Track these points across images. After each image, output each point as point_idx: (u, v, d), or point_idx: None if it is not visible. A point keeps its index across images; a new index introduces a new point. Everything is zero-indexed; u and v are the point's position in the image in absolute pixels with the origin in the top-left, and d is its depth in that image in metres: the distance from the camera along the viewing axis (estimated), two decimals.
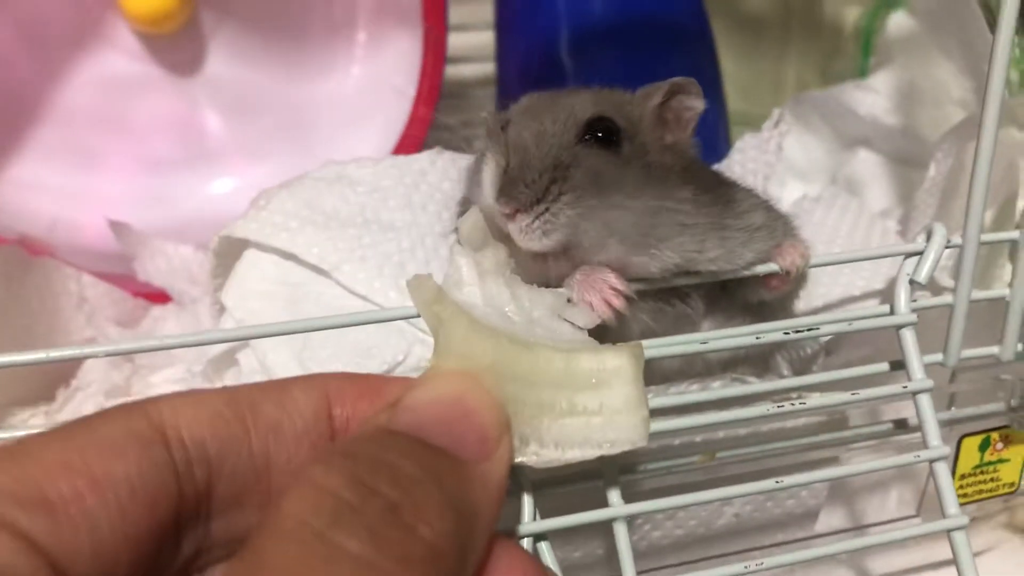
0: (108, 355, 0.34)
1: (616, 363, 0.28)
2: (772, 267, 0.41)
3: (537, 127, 0.39)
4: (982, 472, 0.48)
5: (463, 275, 0.31)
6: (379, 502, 0.20)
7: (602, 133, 0.40)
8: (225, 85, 0.76)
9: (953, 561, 0.53)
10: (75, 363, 0.55)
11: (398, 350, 0.47)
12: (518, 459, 0.26)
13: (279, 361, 0.47)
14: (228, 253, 0.51)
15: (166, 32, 0.72)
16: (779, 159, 0.59)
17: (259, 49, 0.76)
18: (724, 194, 0.44)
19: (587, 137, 0.40)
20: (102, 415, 0.22)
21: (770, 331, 0.38)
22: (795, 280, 0.44)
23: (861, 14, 0.80)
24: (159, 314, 0.60)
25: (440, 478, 0.22)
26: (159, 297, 0.63)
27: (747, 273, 0.41)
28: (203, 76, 0.76)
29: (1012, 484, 0.49)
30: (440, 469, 0.22)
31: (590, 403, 0.28)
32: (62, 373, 0.56)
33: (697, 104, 0.44)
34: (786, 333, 0.38)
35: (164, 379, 0.53)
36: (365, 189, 0.51)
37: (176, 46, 0.74)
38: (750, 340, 0.38)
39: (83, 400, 0.50)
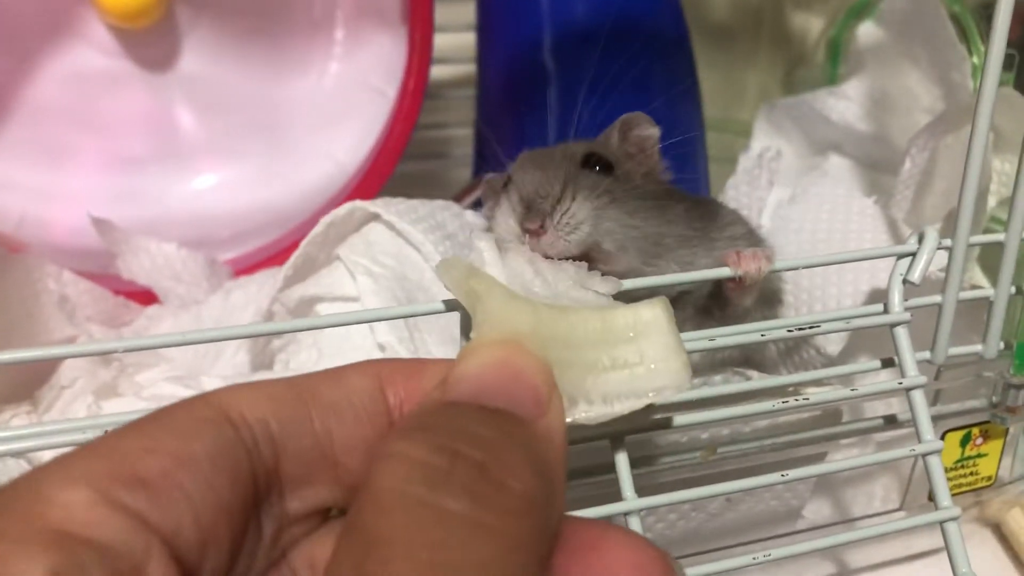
0: (95, 354, 0.34)
1: (650, 314, 0.29)
2: (726, 271, 0.42)
3: (540, 168, 0.44)
4: (962, 466, 0.49)
5: (485, 257, 0.31)
6: (467, 463, 0.21)
7: (597, 165, 0.45)
8: (199, 82, 0.75)
9: (930, 552, 0.55)
10: (54, 362, 0.54)
11: None
12: (569, 419, 0.26)
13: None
14: (343, 223, 0.54)
15: (140, 27, 0.71)
16: (769, 193, 0.60)
17: (235, 46, 0.75)
18: (707, 209, 0.49)
19: (584, 168, 0.45)
20: (163, 410, 0.22)
21: (774, 328, 0.39)
22: (754, 289, 0.46)
23: (827, 24, 0.82)
24: (153, 313, 0.59)
25: (512, 436, 0.22)
26: (139, 295, 0.62)
27: (703, 276, 0.41)
28: (177, 72, 0.75)
29: (989, 478, 0.51)
30: (509, 428, 0.23)
31: (630, 356, 0.28)
32: (40, 372, 0.55)
33: (651, 132, 0.50)
34: (789, 331, 0.39)
35: (150, 378, 0.52)
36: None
37: (150, 41, 0.73)
38: (755, 337, 0.39)
39: (71, 399, 0.49)
